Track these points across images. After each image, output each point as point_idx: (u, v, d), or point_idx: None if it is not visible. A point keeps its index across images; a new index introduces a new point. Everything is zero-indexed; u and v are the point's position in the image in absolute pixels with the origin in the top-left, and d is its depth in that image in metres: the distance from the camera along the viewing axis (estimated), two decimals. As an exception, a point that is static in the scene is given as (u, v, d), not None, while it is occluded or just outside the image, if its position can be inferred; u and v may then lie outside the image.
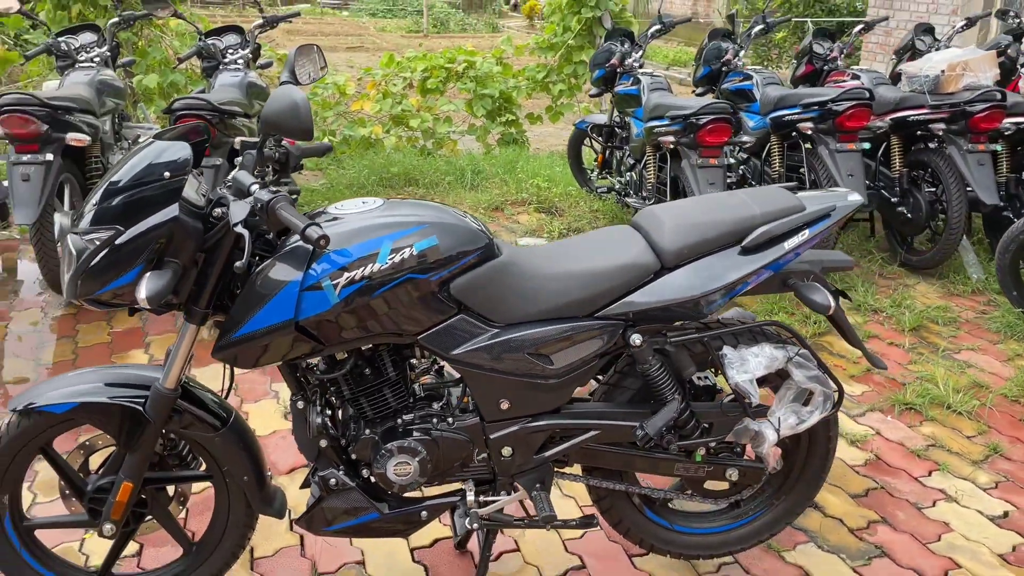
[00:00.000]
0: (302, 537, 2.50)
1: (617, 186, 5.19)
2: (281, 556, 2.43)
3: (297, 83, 2.02)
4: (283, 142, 2.10)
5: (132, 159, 1.81)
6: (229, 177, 1.87)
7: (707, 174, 4.07)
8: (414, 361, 2.10)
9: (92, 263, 1.74)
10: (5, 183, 4.57)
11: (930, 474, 2.89)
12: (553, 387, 2.02)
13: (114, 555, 2.17)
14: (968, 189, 4.28)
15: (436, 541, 2.49)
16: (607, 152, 5.51)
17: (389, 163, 6.26)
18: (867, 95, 4.21)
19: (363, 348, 1.99)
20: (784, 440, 2.32)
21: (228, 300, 1.90)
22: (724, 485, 2.25)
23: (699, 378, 2.18)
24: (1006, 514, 2.68)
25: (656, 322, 2.02)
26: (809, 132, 4.32)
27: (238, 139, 2.00)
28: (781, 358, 2.04)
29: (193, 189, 1.87)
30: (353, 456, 2.06)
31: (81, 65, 4.75)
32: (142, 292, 1.70)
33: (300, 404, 2.02)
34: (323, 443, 2.03)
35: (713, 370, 2.19)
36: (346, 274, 1.82)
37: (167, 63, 6.28)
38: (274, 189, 1.75)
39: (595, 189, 5.61)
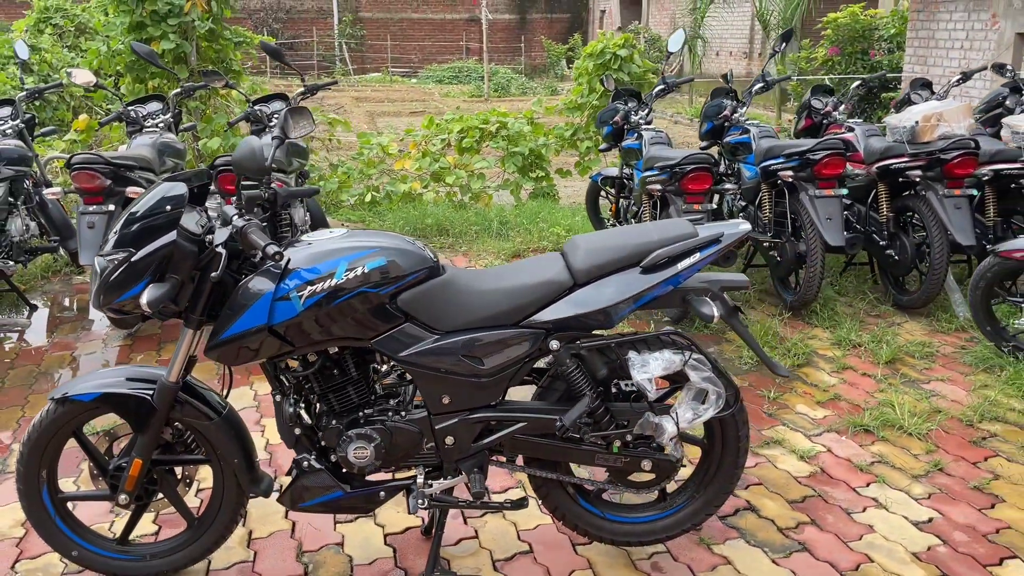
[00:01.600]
0: (293, 523, 2.91)
1: (624, 232, 5.57)
2: (273, 537, 2.84)
3: (287, 137, 2.52)
4: (271, 185, 2.58)
5: (144, 196, 2.31)
6: (221, 209, 2.36)
7: (691, 219, 4.42)
8: (376, 365, 2.52)
9: (111, 279, 2.24)
10: None
11: (868, 485, 3.14)
12: (486, 385, 2.41)
13: (130, 525, 2.63)
14: (948, 232, 4.52)
15: (407, 529, 2.87)
16: (618, 201, 5.90)
17: (425, 215, 6.79)
18: (841, 145, 4.53)
19: (331, 351, 2.42)
20: (702, 440, 2.66)
21: (219, 309, 2.37)
22: (647, 477, 2.58)
23: (624, 384, 2.54)
24: (930, 520, 2.92)
25: (572, 330, 2.40)
26: (790, 179, 4.65)
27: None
28: (678, 361, 2.39)
29: (192, 220, 2.35)
30: (322, 443, 2.48)
31: (147, 130, 5.44)
32: (144, 298, 2.18)
33: (278, 398, 2.46)
34: (297, 431, 2.46)
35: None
36: (309, 287, 2.26)
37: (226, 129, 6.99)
38: (247, 218, 2.23)
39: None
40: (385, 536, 2.84)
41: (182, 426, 2.55)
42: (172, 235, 2.25)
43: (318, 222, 5.55)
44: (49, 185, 5.44)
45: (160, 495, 2.59)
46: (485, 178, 7.67)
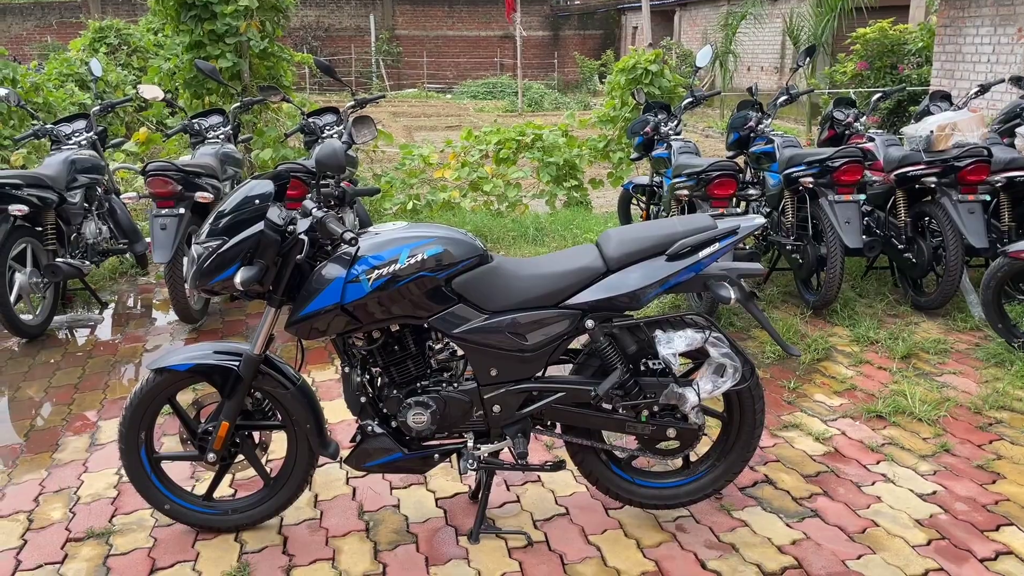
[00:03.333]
0: (354, 489, 3.25)
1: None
2: (337, 500, 3.18)
3: (353, 143, 2.89)
4: (340, 184, 2.94)
5: (236, 192, 2.68)
6: (303, 204, 2.72)
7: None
8: (432, 343, 2.86)
9: (206, 264, 2.60)
10: (148, 239, 5.67)
11: (878, 463, 3.41)
12: (529, 359, 2.74)
13: (215, 483, 2.99)
14: (963, 236, 4.77)
15: (456, 494, 3.19)
16: (649, 209, 6.21)
17: (464, 222, 7.14)
18: (859, 153, 4.81)
19: (392, 329, 2.77)
20: (722, 413, 2.96)
21: (297, 291, 2.72)
22: (672, 445, 2.88)
23: (653, 363, 2.85)
24: (934, 492, 3.18)
25: (605, 311, 2.72)
26: (811, 186, 4.93)
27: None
28: (699, 339, 2.70)
29: (275, 214, 2.72)
30: (384, 410, 2.82)
31: (209, 141, 5.88)
32: (238, 278, 2.54)
33: (347, 370, 2.80)
34: (362, 400, 2.80)
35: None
36: (376, 271, 2.61)
37: (280, 140, 7.42)
38: (325, 210, 2.59)
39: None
40: (436, 500, 3.17)
41: (262, 395, 2.90)
42: (260, 225, 2.61)
43: (365, 226, 5.92)
44: (118, 193, 5.88)
45: (240, 457, 2.95)
46: (521, 187, 8.02)
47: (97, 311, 5.61)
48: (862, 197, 4.89)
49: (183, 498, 2.96)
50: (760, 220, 2.79)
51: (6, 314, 4.75)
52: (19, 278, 4.92)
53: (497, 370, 2.74)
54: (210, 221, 2.68)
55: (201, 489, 3.06)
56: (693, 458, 3.02)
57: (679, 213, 5.18)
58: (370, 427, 2.81)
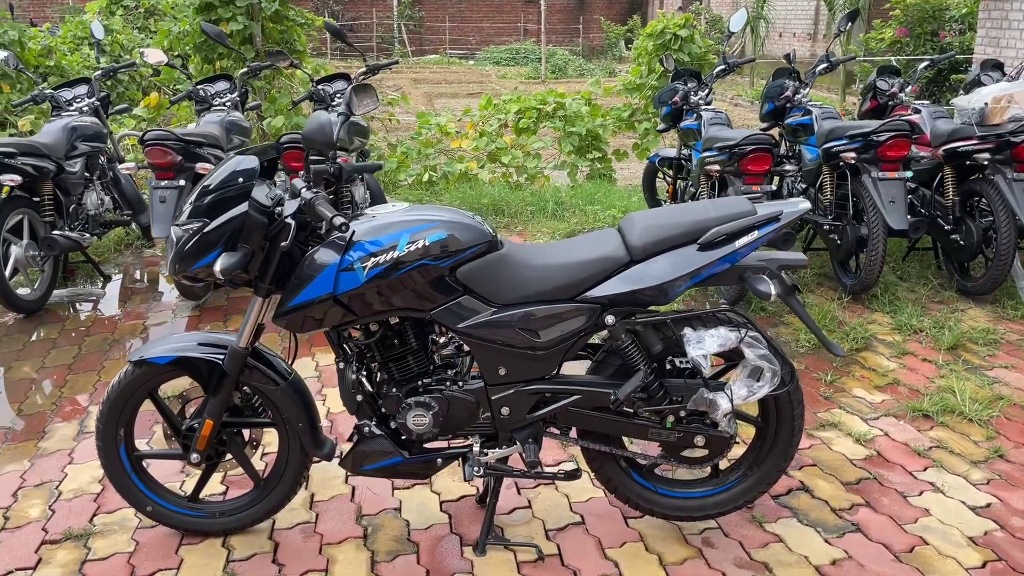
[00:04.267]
0: (353, 488, 3.01)
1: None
2: (335, 501, 2.95)
3: (352, 113, 2.60)
4: (336, 159, 2.66)
5: (217, 169, 2.41)
6: (290, 183, 2.44)
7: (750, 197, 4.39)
8: (435, 336, 2.59)
9: (186, 247, 2.35)
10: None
11: (925, 470, 3.11)
12: (541, 357, 2.46)
13: (201, 484, 2.76)
14: (1017, 217, 4.41)
15: (462, 497, 2.94)
16: (676, 183, 5.88)
17: (481, 195, 6.85)
18: (906, 127, 4.44)
19: (392, 322, 2.50)
20: (757, 419, 2.68)
21: (287, 279, 2.46)
22: (700, 452, 2.60)
23: (679, 362, 2.56)
24: (988, 505, 2.88)
25: (627, 305, 2.44)
26: (853, 161, 4.58)
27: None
28: (734, 339, 2.41)
29: (262, 193, 2.45)
30: (383, 410, 2.56)
31: (215, 108, 5.61)
32: (217, 266, 2.28)
33: (341, 365, 2.55)
34: (359, 398, 2.55)
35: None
36: (372, 259, 2.34)
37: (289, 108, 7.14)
38: (315, 191, 2.31)
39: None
40: (441, 503, 2.92)
41: (250, 390, 2.66)
42: (244, 207, 2.35)
43: (377, 200, 5.65)
44: (122, 161, 5.64)
45: (229, 456, 2.71)
46: (541, 158, 7.70)
47: (100, 285, 5.40)
48: (908, 174, 4.53)
49: (167, 499, 2.73)
50: (805, 205, 2.48)
51: (1, 289, 4.54)
52: (15, 251, 4.70)
53: (506, 369, 2.47)
54: (191, 200, 2.42)
55: (189, 487, 2.84)
56: (723, 466, 2.74)
57: (708, 189, 4.85)
58: (367, 428, 2.56)
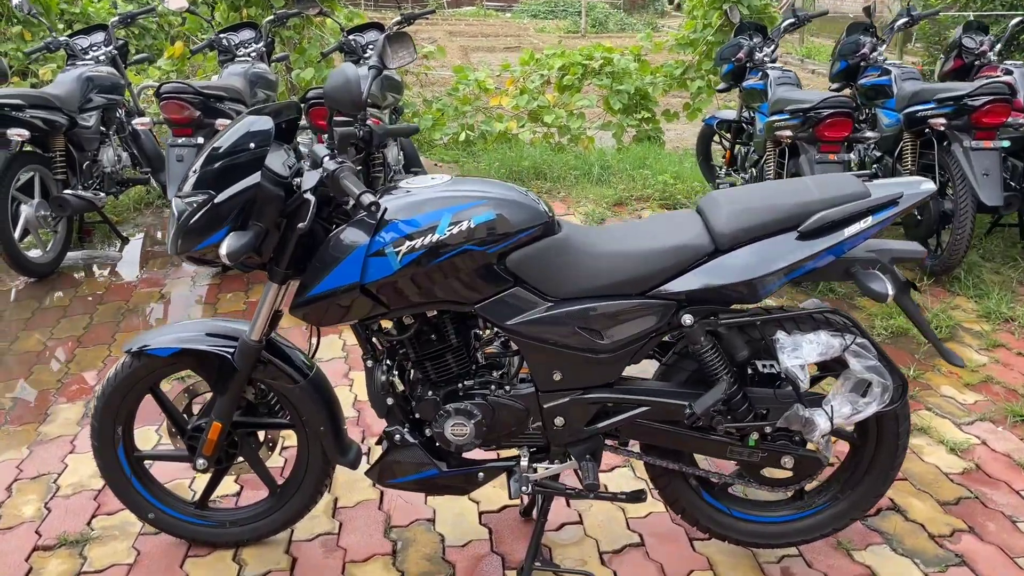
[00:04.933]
0: (382, 493, 2.68)
1: (740, 183, 5.11)
2: (361, 508, 2.62)
3: (385, 67, 2.20)
4: (367, 121, 2.27)
5: (227, 131, 2.04)
6: (312, 149, 2.07)
7: (825, 170, 3.95)
8: (478, 331, 2.22)
9: (189, 223, 1.98)
10: None
11: (1034, 489, 2.71)
12: (604, 362, 2.08)
13: (209, 489, 2.43)
14: None
15: (504, 507, 2.60)
16: (734, 148, 5.42)
17: (521, 157, 6.42)
18: (1006, 90, 3.94)
19: (429, 315, 2.13)
20: (852, 434, 2.29)
21: (308, 261, 2.09)
22: (784, 474, 2.23)
23: (763, 365, 2.17)
24: (1115, 537, 2.48)
25: (709, 303, 2.04)
26: (942, 128, 4.09)
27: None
28: (837, 346, 2.01)
29: (279, 160, 2.08)
30: (417, 415, 2.21)
31: (239, 59, 5.22)
32: (223, 249, 1.91)
33: (370, 363, 2.19)
34: (389, 401, 2.19)
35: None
36: (408, 242, 1.96)
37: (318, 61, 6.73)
38: (340, 160, 1.93)
39: (719, 185, 5.54)
40: (480, 514, 2.58)
41: (265, 387, 2.32)
42: (256, 177, 1.97)
43: (412, 162, 5.26)
44: (142, 115, 5.30)
45: (240, 459, 2.38)
46: (585, 118, 7.23)
47: (117, 247, 5.10)
48: (1005, 144, 4.04)
49: (171, 506, 2.42)
50: (929, 185, 2.05)
51: (9, 251, 4.25)
52: (25, 211, 4.40)
53: (562, 373, 2.10)
54: (194, 167, 2.05)
55: (199, 487, 2.52)
56: (808, 487, 2.36)
57: (776, 157, 4.40)
58: (398, 435, 2.21)
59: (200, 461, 2.27)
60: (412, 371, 2.23)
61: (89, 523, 2.56)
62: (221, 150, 2.00)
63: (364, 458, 2.39)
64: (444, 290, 2.02)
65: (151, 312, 4.13)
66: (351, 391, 3.31)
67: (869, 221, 1.98)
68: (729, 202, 2.07)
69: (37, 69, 7.46)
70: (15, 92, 4.35)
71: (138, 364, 2.24)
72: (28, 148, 4.45)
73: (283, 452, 2.81)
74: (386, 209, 2.00)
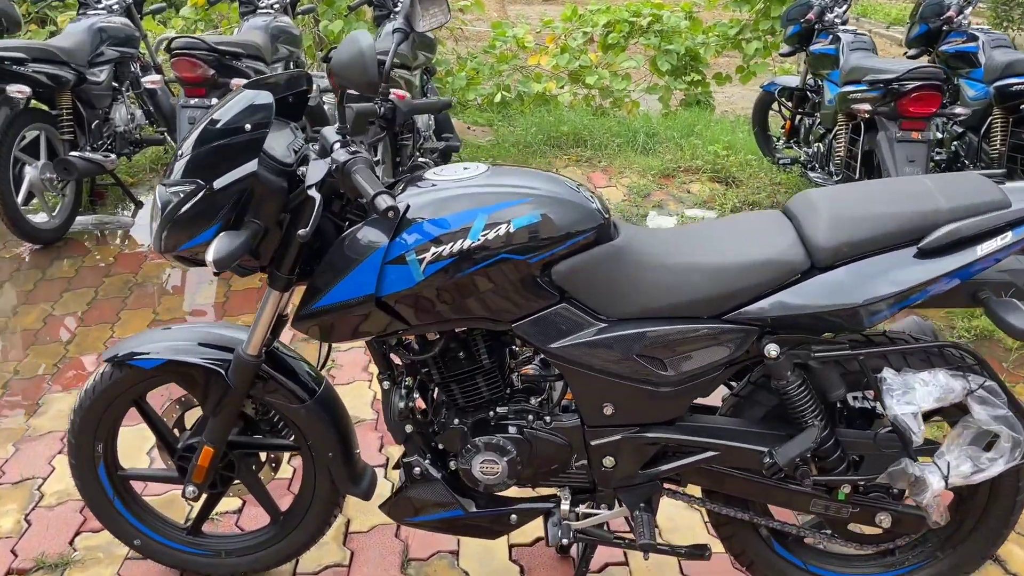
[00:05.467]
0: (400, 516, 2.36)
1: (803, 157, 4.67)
2: (375, 534, 2.31)
3: (412, 30, 1.82)
4: (389, 96, 1.91)
5: (223, 105, 1.69)
6: (321, 134, 1.71)
7: (907, 150, 3.51)
8: (515, 348, 1.88)
9: (174, 218, 1.65)
10: None
11: None
12: (666, 396, 1.72)
13: (204, 513, 2.13)
14: None
15: (537, 540, 2.27)
16: (796, 119, 4.97)
17: (560, 121, 6.01)
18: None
19: (457, 330, 1.79)
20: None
21: (316, 263, 1.75)
22: (876, 529, 1.87)
23: (854, 397, 1.81)
24: None
25: (799, 331, 1.67)
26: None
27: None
28: (959, 390, 1.63)
29: (284, 143, 1.73)
30: (439, 446, 1.88)
31: (261, 11, 4.84)
32: (208, 254, 1.57)
33: (386, 385, 1.85)
34: (408, 428, 1.86)
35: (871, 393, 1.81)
36: (433, 248, 1.61)
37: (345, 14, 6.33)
38: (354, 150, 1.57)
39: (779, 159, 5.10)
40: (511, 547, 2.26)
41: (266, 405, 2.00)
42: (252, 165, 1.63)
43: (443, 127, 4.89)
44: (159, 70, 4.95)
45: (238, 482, 2.08)
46: (631, 80, 6.76)
47: (130, 212, 4.81)
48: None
49: (160, 532, 2.12)
50: (1087, 193, 1.65)
51: (12, 216, 3.96)
52: (30, 172, 4.10)
53: (614, 407, 1.75)
54: (180, 150, 1.71)
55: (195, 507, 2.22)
56: (900, 541, 1.99)
57: (848, 132, 3.96)
58: (418, 467, 1.88)
59: (190, 488, 1.96)
60: (436, 393, 1.90)
61: (72, 542, 2.28)
62: (211, 132, 1.66)
63: (383, 475, 2.07)
64: (476, 305, 1.67)
65: (160, 287, 3.84)
66: (370, 387, 2.98)
67: (1008, 238, 1.59)
68: (830, 205, 1.68)
69: (55, 16, 7.13)
70: (17, 44, 4.03)
71: (119, 375, 1.93)
72: (34, 105, 4.14)
73: (292, 460, 2.51)
74: (408, 207, 1.65)
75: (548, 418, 1.82)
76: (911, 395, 1.62)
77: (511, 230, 1.62)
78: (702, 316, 1.68)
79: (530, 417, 1.83)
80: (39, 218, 4.25)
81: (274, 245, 1.71)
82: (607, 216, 1.72)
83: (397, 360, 1.85)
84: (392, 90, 3.82)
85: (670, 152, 5.57)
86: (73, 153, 4.13)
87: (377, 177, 1.56)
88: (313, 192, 1.59)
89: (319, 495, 2.03)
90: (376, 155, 4.01)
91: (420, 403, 1.92)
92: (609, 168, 5.43)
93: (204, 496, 2.05)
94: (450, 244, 1.61)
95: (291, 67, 4.76)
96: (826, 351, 1.68)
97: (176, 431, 2.05)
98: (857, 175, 3.83)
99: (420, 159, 4.06)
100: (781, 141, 5.18)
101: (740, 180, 5.11)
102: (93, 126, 4.40)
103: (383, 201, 1.44)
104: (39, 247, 4.23)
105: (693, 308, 1.67)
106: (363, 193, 1.48)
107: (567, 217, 1.65)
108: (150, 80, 4.43)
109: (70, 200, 4.36)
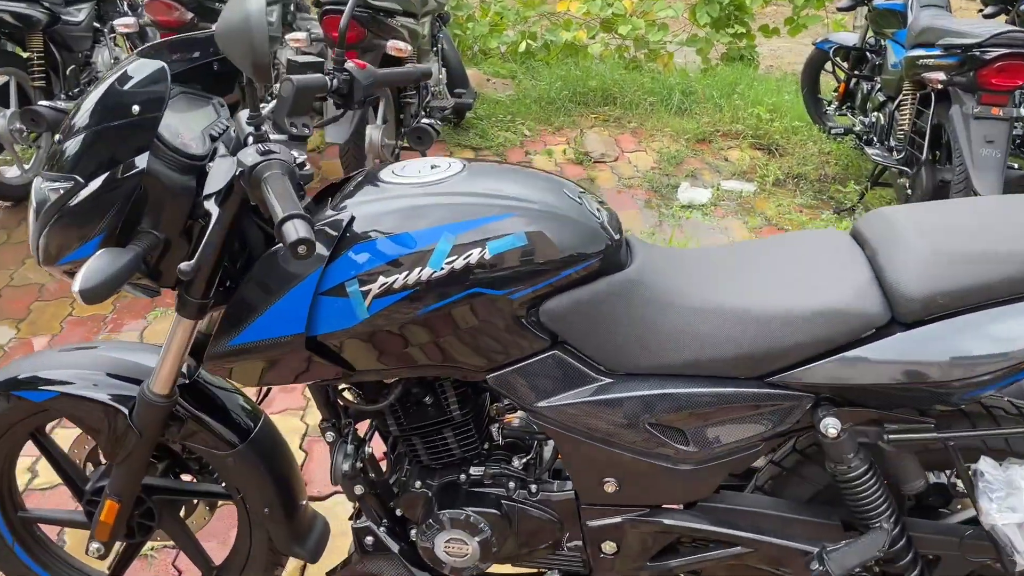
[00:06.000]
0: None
1: (858, 127, 4.15)
2: (335, 583, 1.94)
3: None
4: (345, 64, 1.48)
5: (108, 79, 1.27)
6: (236, 121, 1.28)
7: (985, 128, 3.01)
8: (490, 399, 1.49)
9: (48, 224, 1.25)
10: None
11: None
12: (685, 475, 1.32)
13: (124, 563, 1.77)
14: None
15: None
16: (852, 82, 4.43)
17: (587, 75, 5.51)
18: None
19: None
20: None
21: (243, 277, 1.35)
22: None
23: (940, 477, 1.40)
24: None
25: (870, 405, 1.25)
26: None
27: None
28: (1083, 494, 1.20)
29: (198, 127, 1.32)
30: (397, 511, 1.50)
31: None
32: (75, 284, 1.16)
33: (330, 437, 1.46)
34: (359, 489, 1.47)
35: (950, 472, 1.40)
36: (382, 278, 1.21)
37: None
38: (267, 149, 1.15)
39: (830, 127, 4.58)
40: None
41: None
42: (142, 160, 1.22)
43: (457, 80, 4.43)
44: (135, 10, 4.49)
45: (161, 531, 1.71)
46: (668, 31, 6.20)
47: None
48: None
49: (71, 581, 1.77)
50: None
51: (-24, 171, 3.60)
52: (-2, 122, 3.72)
53: (618, 484, 1.35)
54: (58, 135, 1.30)
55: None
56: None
57: (914, 103, 3.44)
58: (371, 536, 1.50)
59: (94, 546, 1.59)
60: (395, 445, 1.51)
61: (-21, 579, 1.94)
62: (95, 111, 1.25)
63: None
64: (438, 352, 1.26)
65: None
66: (303, 420, 2.57)
67: None
68: (920, 236, 1.24)
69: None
70: (-22, -21, 3.61)
71: (6, 405, 1.55)
72: (8, 48, 3.75)
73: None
74: (353, 219, 1.24)
75: (535, 486, 1.43)
76: (1016, 497, 1.20)
77: (486, 256, 1.20)
78: (738, 377, 1.26)
79: (511, 484, 1.43)
80: (10, 172, 3.89)
81: (179, 262, 1.31)
82: (617, 237, 1.29)
83: (344, 405, 1.46)
84: (391, 42, 3.37)
85: (707, 114, 5.06)
86: (43, 102, 3.72)
87: (299, 189, 1.15)
88: (211, 205, 1.17)
89: (256, 553, 1.67)
90: (376, 116, 3.58)
91: (378, 442, 1.53)
92: (639, 130, 4.94)
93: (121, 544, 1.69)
94: (404, 273, 1.20)
95: (437, 23, 4.27)
96: (905, 432, 1.25)
97: (91, 465, 1.69)
98: (923, 154, 3.33)
99: (425, 120, 3.60)
100: (833, 106, 4.65)
101: (785, 149, 4.61)
102: (68, 72, 3.99)
103: (292, 231, 1.02)
104: (9, 204, 3.87)
105: (727, 366, 1.25)
106: (271, 212, 1.07)
107: (564, 239, 1.23)
108: (122, 23, 4.01)
109: (45, 153, 3.98)
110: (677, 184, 4.17)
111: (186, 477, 1.69)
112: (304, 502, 1.66)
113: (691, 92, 5.31)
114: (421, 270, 1.20)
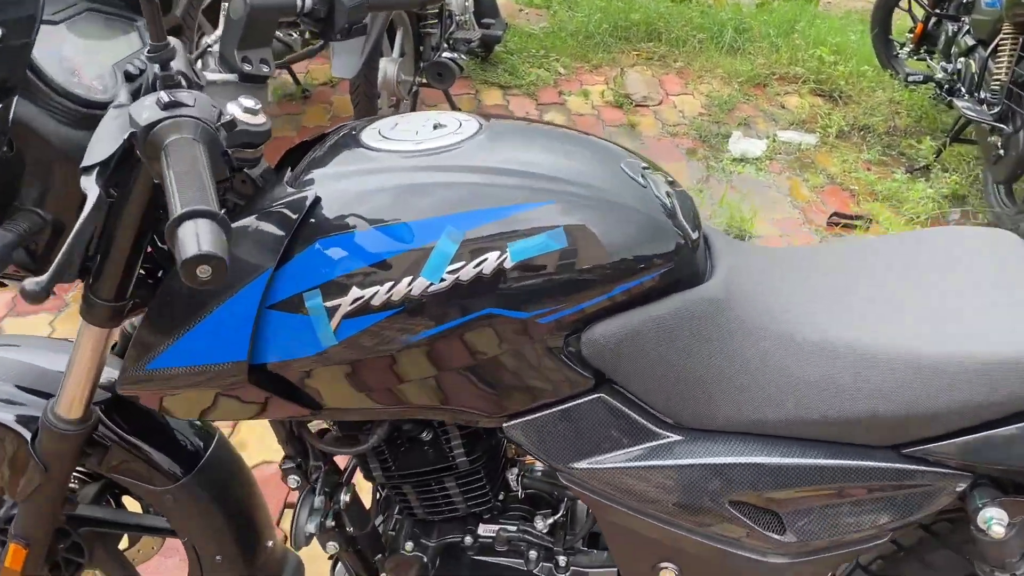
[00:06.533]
0: (355, 589, 1.67)
1: (940, 75, 3.65)
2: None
3: None
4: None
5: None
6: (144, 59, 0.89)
7: None
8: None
9: None
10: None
11: None
12: (775, 570, 0.95)
13: (56, 597, 1.45)
14: None
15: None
16: (931, 22, 3.92)
17: (630, 7, 5.01)
18: None
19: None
20: None
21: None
22: None
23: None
24: None
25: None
26: None
27: None
28: None
29: (110, 61, 0.95)
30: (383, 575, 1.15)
31: None
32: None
33: (294, 481, 1.11)
34: (332, 548, 1.12)
35: None
36: (355, 290, 0.84)
37: None
38: (173, 99, 0.76)
39: (903, 73, 4.08)
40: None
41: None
42: (10, 105, 0.85)
43: (486, 9, 3.97)
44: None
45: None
46: (721, -42, 5.65)
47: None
48: None
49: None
50: None
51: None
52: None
53: (680, 574, 0.98)
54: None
55: None
56: None
57: (1015, 49, 2.96)
58: (350, 598, 1.17)
59: (1, 593, 1.27)
60: (382, 493, 1.16)
61: None
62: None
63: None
64: (436, 393, 0.90)
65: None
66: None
67: None
68: None
69: None
70: None
71: None
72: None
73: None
74: (317, 200, 0.86)
75: (563, 558, 1.07)
76: None
77: (507, 262, 0.82)
78: (865, 444, 0.88)
79: (532, 553, 1.09)
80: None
81: (82, 249, 0.93)
82: (695, 235, 0.91)
83: (314, 448, 1.09)
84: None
85: (763, 54, 4.57)
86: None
87: (225, 163, 0.77)
88: (88, 181, 0.78)
89: (212, 595, 1.34)
90: (392, 48, 3.15)
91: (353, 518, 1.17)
92: (686, 71, 4.46)
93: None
94: (388, 284, 0.83)
95: None
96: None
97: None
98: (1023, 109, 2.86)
99: (447, 55, 3.18)
100: (907, 50, 4.14)
101: (849, 96, 4.13)
102: None
103: (189, 239, 0.62)
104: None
105: (853, 430, 0.88)
106: (169, 205, 0.68)
107: (618, 238, 0.86)
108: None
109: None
110: (728, 133, 3.73)
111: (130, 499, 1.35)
112: (270, 542, 1.32)
113: (745, 29, 4.81)
114: (412, 280, 0.83)
